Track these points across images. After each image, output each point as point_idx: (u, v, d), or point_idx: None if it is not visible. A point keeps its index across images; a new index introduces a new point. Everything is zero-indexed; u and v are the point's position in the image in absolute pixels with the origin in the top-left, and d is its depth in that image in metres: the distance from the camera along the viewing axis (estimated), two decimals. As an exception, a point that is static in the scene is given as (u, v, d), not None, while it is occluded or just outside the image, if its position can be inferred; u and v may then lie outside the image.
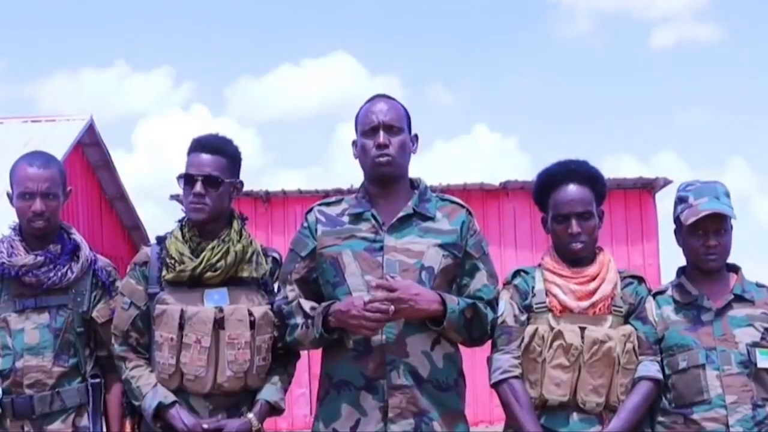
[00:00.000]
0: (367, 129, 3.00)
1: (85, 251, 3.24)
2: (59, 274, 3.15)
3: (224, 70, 38.97)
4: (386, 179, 3.01)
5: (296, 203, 11.28)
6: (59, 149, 14.38)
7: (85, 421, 3.19)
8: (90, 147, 15.49)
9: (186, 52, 37.50)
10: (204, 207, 3.05)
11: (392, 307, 2.79)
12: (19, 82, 34.90)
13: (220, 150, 3.10)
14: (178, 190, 3.16)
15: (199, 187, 3.04)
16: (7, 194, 3.23)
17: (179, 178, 3.10)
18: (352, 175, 12.29)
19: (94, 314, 3.21)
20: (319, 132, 36.96)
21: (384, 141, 2.96)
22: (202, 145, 3.11)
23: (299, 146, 34.69)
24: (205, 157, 3.07)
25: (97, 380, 3.22)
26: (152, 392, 3.01)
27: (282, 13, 39.03)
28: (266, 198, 11.45)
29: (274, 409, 3.09)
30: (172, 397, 3.00)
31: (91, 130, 15.23)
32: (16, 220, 3.24)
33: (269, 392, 3.07)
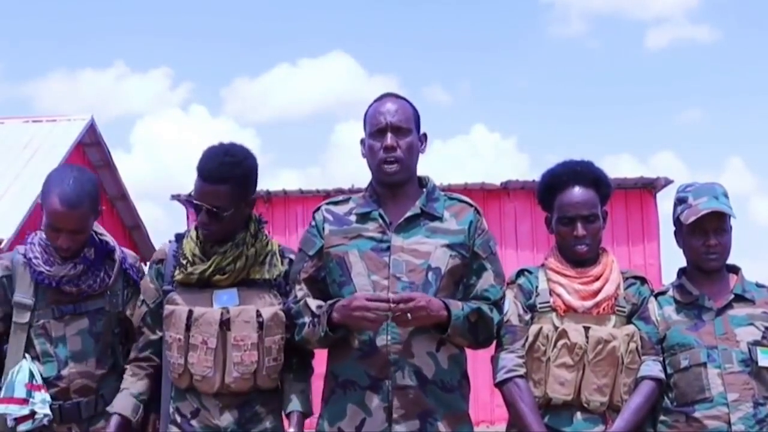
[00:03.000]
0: (374, 130, 2.99)
1: (118, 252, 3.22)
2: (98, 280, 3.14)
3: (222, 71, 39.05)
4: (394, 182, 3.01)
5: (297, 203, 11.29)
6: (60, 149, 14.39)
7: None
8: (91, 147, 15.51)
9: (184, 53, 37.60)
10: (211, 232, 3.04)
11: (409, 315, 2.78)
12: (17, 82, 34.96)
13: (223, 179, 2.97)
14: (178, 189, 3.19)
15: (204, 216, 3.01)
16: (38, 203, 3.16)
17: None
18: (351, 176, 12.29)
19: (128, 312, 3.21)
20: (316, 132, 37.05)
21: (392, 143, 2.95)
22: (208, 172, 2.98)
23: (297, 146, 34.75)
24: (209, 188, 2.97)
25: None
26: (118, 396, 3.12)
27: (279, 13, 39.08)
28: (267, 198, 11.42)
29: (305, 416, 3.08)
30: (116, 408, 3.09)
31: (91, 130, 15.26)
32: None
33: (300, 403, 3.04)
